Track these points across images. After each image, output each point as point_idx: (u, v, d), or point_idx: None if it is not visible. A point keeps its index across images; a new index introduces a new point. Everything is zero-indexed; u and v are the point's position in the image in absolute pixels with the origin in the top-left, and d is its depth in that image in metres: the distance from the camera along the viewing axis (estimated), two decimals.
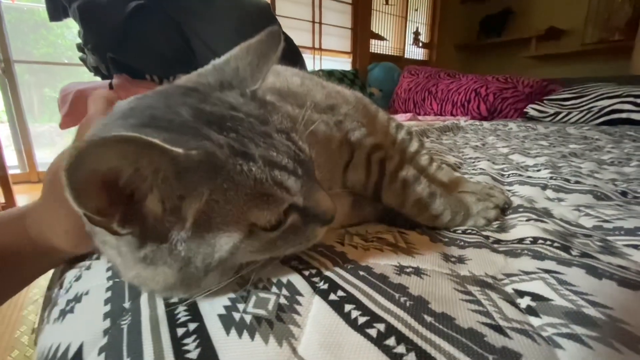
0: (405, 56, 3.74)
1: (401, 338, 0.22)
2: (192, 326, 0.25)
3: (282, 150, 0.26)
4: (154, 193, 0.22)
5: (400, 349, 0.21)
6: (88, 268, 0.38)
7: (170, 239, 0.24)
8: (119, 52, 1.19)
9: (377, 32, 3.43)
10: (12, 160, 2.45)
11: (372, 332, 0.23)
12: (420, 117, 2.27)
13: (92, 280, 0.35)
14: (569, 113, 1.96)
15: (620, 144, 1.18)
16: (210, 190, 0.23)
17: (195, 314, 0.27)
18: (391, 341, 0.22)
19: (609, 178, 0.68)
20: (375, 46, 3.48)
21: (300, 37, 2.91)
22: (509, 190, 0.61)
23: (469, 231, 0.42)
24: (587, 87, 2.03)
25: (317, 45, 3.13)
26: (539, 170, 0.75)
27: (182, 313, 0.27)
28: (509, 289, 0.28)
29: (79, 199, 0.19)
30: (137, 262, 0.25)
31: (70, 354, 0.26)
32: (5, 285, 0.38)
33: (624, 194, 0.57)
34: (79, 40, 1.27)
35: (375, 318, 0.24)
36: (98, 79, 1.43)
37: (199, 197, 0.23)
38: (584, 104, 1.94)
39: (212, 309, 0.27)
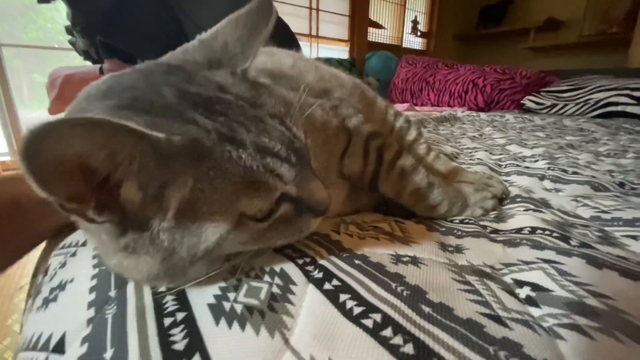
0: (403, 45, 3.69)
1: (398, 329, 0.21)
2: (180, 316, 0.24)
3: (274, 136, 0.24)
4: (130, 180, 0.21)
5: (397, 340, 0.20)
6: (73, 255, 0.36)
7: (151, 227, 0.22)
8: (109, 35, 1.15)
9: (375, 20, 3.37)
10: (1, 147, 2.39)
11: (368, 322, 0.22)
12: (417, 108, 2.26)
13: (76, 268, 0.34)
14: (565, 105, 1.96)
15: (616, 136, 1.18)
16: (195, 178, 0.21)
17: (183, 303, 0.26)
18: (388, 332, 0.21)
19: (606, 169, 0.68)
20: (373, 35, 3.43)
21: (296, 23, 2.85)
22: (506, 181, 0.60)
23: (467, 221, 0.42)
24: (584, 80, 2.02)
25: (314, 33, 3.08)
26: (536, 161, 0.75)
27: (170, 302, 0.26)
28: (507, 278, 0.27)
29: (44, 185, 0.17)
30: (117, 250, 0.23)
31: (52, 343, 0.25)
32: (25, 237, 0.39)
33: (621, 185, 0.57)
34: (68, 23, 1.23)
35: (371, 308, 0.23)
36: (88, 63, 1.39)
37: (182, 186, 0.21)
38: (580, 96, 1.93)
39: (201, 298, 0.26)
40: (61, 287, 0.32)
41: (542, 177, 0.60)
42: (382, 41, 3.52)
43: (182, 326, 0.23)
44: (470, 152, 0.85)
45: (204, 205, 0.22)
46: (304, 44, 2.95)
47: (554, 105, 2.01)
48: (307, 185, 0.26)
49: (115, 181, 0.20)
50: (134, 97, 0.22)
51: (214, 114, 0.23)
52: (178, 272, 0.25)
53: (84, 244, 0.38)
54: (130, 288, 0.28)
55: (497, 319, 0.22)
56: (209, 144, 0.21)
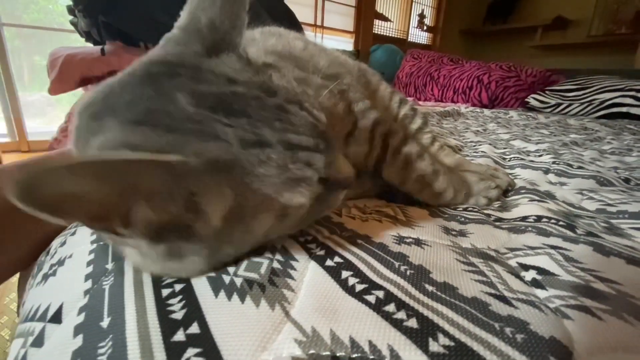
0: (409, 39, 3.65)
1: (401, 305, 0.21)
2: (178, 287, 0.24)
3: (299, 126, 0.23)
4: (142, 206, 0.20)
5: (401, 314, 0.20)
6: (73, 234, 0.36)
7: (195, 231, 0.22)
8: (111, 16, 1.13)
9: (381, 13, 3.33)
10: (1, 128, 2.38)
11: (371, 298, 0.22)
12: (421, 103, 2.24)
13: (75, 245, 0.34)
14: (570, 105, 1.94)
15: (620, 135, 1.17)
16: (231, 187, 0.21)
17: None
18: (391, 307, 0.20)
19: (611, 166, 0.67)
20: (379, 27, 3.39)
21: (301, 13, 2.81)
22: (510, 174, 0.59)
23: (470, 209, 0.41)
24: (589, 79, 2.00)
25: (319, 23, 3.04)
26: (540, 156, 0.74)
27: None
28: (512, 262, 0.27)
29: (54, 216, 0.16)
30: (161, 256, 0.23)
31: (50, 314, 0.25)
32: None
33: (626, 180, 0.56)
34: (70, 2, 1.21)
35: (373, 285, 0.23)
36: (90, 45, 1.37)
37: (221, 196, 0.21)
38: (585, 96, 1.91)
39: None
40: (60, 262, 0.32)
41: (546, 171, 0.59)
42: (387, 34, 3.48)
43: (180, 297, 0.23)
44: (474, 145, 0.84)
45: (249, 207, 0.22)
46: (308, 34, 2.92)
47: (558, 105, 1.99)
48: (334, 163, 0.26)
49: (134, 202, 0.19)
50: (147, 110, 0.21)
51: (233, 116, 0.21)
52: (222, 263, 0.25)
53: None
54: (128, 261, 0.28)
55: (503, 299, 0.21)
56: (233, 156, 0.20)
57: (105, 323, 0.22)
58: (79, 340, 0.21)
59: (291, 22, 1.33)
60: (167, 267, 0.24)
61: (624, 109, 1.72)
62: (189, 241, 0.22)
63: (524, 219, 0.37)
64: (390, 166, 0.42)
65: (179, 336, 0.20)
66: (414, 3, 3.57)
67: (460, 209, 0.42)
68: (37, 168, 0.15)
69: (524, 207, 0.40)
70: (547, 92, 2.10)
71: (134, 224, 0.20)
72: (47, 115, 2.81)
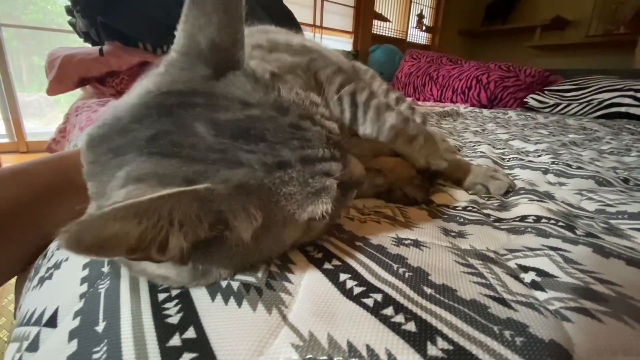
0: (408, 39, 3.65)
1: (399, 308, 0.21)
2: (174, 291, 0.24)
3: (314, 140, 0.24)
4: (182, 231, 0.20)
5: (399, 318, 0.20)
6: None
7: (224, 250, 0.23)
8: (110, 16, 1.13)
9: (380, 13, 3.33)
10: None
11: (369, 301, 0.21)
12: (420, 103, 2.24)
13: None
14: (568, 105, 1.94)
15: (618, 135, 1.17)
16: (260, 208, 0.22)
17: None
18: (389, 311, 0.20)
19: (610, 166, 0.67)
20: (378, 27, 3.39)
21: (300, 13, 2.81)
22: (509, 174, 0.59)
23: (469, 208, 0.41)
24: (588, 79, 2.00)
25: (318, 23, 3.04)
26: (539, 156, 0.74)
27: None
28: (512, 264, 0.27)
29: (99, 256, 0.18)
30: (188, 272, 0.23)
31: (45, 318, 0.25)
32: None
33: (625, 180, 0.56)
34: (69, 3, 1.21)
35: (371, 288, 0.23)
36: (88, 45, 1.37)
37: (251, 217, 0.22)
38: (584, 96, 1.91)
39: None
40: (56, 266, 0.31)
41: (545, 171, 0.59)
42: (386, 34, 3.48)
43: (176, 301, 0.23)
44: (473, 146, 0.84)
45: (277, 223, 0.23)
46: (307, 34, 2.92)
47: (557, 105, 1.99)
48: (348, 166, 0.27)
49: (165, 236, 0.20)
50: (171, 143, 0.21)
51: (253, 142, 0.22)
52: (245, 269, 0.26)
53: None
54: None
55: (502, 301, 0.21)
56: (258, 181, 0.21)
57: (100, 327, 0.21)
58: (73, 345, 0.21)
59: (290, 23, 1.33)
60: (195, 282, 0.24)
61: (623, 109, 1.72)
62: (218, 258, 0.23)
63: (523, 218, 0.37)
64: (364, 122, 0.42)
65: (175, 341, 0.19)
66: (412, 3, 3.57)
67: (460, 207, 0.42)
68: (83, 219, 0.16)
69: (524, 207, 0.40)
70: (545, 92, 2.10)
71: (169, 250, 0.20)
72: (46, 116, 2.80)
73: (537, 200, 0.42)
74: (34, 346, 0.23)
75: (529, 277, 0.24)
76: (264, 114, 0.23)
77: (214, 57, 0.24)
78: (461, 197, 0.45)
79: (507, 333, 0.18)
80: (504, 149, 0.83)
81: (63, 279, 0.29)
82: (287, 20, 1.32)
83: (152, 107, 0.23)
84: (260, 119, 0.23)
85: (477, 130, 1.15)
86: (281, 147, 0.22)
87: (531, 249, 0.28)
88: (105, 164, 0.22)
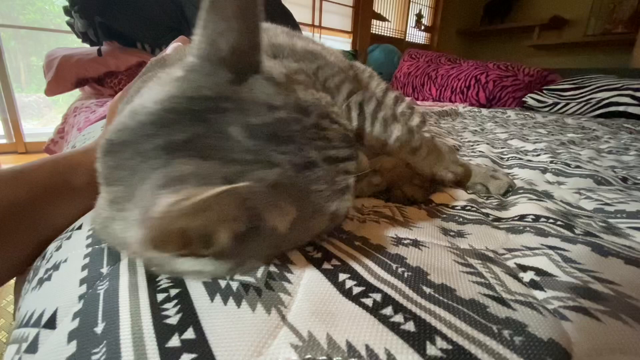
0: (407, 39, 3.65)
1: (399, 308, 0.21)
2: (173, 292, 0.24)
3: (335, 139, 0.26)
4: (225, 226, 0.22)
5: (398, 318, 0.20)
6: (68, 238, 0.36)
7: (260, 242, 0.24)
8: (108, 16, 1.13)
9: (379, 12, 3.33)
10: None
11: (368, 301, 0.21)
12: (419, 102, 2.24)
13: (71, 249, 0.33)
14: (567, 104, 1.95)
15: (617, 134, 1.18)
16: (292, 204, 0.23)
17: (177, 280, 0.25)
18: (388, 310, 0.20)
19: (608, 165, 0.67)
20: (377, 27, 3.39)
21: (299, 13, 2.81)
22: (508, 173, 0.59)
23: (468, 207, 0.41)
24: (586, 79, 2.00)
25: (316, 23, 3.04)
26: (538, 155, 0.74)
27: (163, 279, 0.25)
28: (510, 263, 0.27)
29: (161, 252, 0.20)
30: (228, 266, 0.25)
31: (44, 319, 0.25)
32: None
33: (624, 179, 0.56)
34: (67, 3, 1.21)
35: (371, 288, 0.23)
36: (86, 45, 1.37)
37: (285, 212, 0.23)
38: (582, 95, 1.92)
39: None
40: (55, 267, 0.31)
41: (544, 170, 0.60)
42: (385, 34, 3.48)
43: (175, 301, 0.23)
44: (472, 145, 0.84)
45: (307, 216, 0.25)
46: (306, 34, 2.92)
47: (555, 104, 2.00)
48: (359, 161, 0.29)
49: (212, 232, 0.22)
50: (209, 146, 0.22)
51: (283, 144, 0.23)
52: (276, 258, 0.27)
53: (79, 228, 0.37)
54: (124, 265, 0.28)
55: (501, 300, 0.21)
56: (290, 180, 0.23)
57: (99, 329, 0.21)
58: (72, 347, 0.21)
59: (288, 22, 1.32)
60: (230, 272, 0.25)
61: (621, 108, 1.72)
62: (253, 249, 0.24)
63: (522, 218, 0.37)
64: (370, 133, 0.43)
65: (174, 342, 0.19)
66: (411, 3, 3.57)
67: (459, 207, 0.42)
68: (155, 217, 0.17)
69: (522, 206, 0.40)
70: (544, 91, 2.11)
71: (214, 244, 0.22)
72: (44, 117, 2.80)
73: (536, 200, 0.42)
74: (33, 348, 0.22)
75: (527, 276, 0.25)
76: (289, 116, 0.24)
77: (235, 62, 0.25)
78: (460, 197, 0.45)
79: (506, 332, 0.18)
80: (502, 148, 0.83)
81: (62, 280, 0.29)
82: (286, 20, 1.32)
83: (182, 112, 0.23)
84: (286, 121, 0.24)
85: (476, 130, 1.15)
86: (308, 148, 0.24)
87: (530, 248, 0.28)
88: (135, 167, 0.22)
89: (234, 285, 0.24)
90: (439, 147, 0.48)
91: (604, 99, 1.80)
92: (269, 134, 0.23)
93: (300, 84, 0.28)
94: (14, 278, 0.42)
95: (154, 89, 0.25)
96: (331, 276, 0.24)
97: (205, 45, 0.24)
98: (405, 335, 0.18)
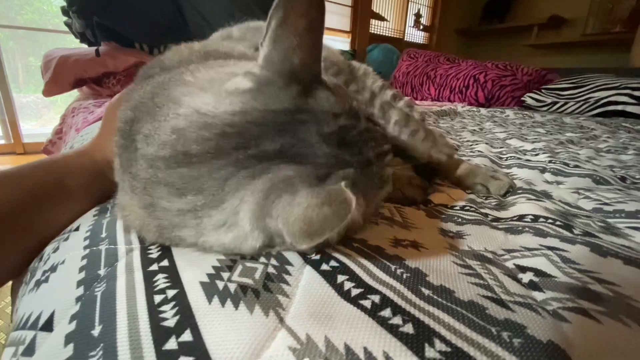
0: (405, 39, 3.65)
1: (397, 310, 0.20)
2: (170, 293, 0.23)
3: (380, 139, 0.30)
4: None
5: (397, 320, 0.19)
6: (66, 239, 0.36)
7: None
8: (106, 17, 1.12)
9: (377, 12, 3.33)
10: None
11: (366, 303, 0.21)
12: (417, 102, 2.24)
13: (68, 250, 0.33)
14: (565, 103, 1.95)
15: (615, 134, 1.18)
16: (363, 195, 0.26)
17: (175, 281, 0.25)
18: (387, 312, 0.20)
19: (607, 164, 0.67)
20: (375, 27, 3.39)
21: None
22: (507, 173, 0.59)
23: (467, 208, 0.41)
24: (585, 78, 2.00)
25: None
26: (537, 155, 0.74)
27: (161, 280, 0.25)
28: (509, 264, 0.27)
29: (315, 240, 0.22)
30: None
31: (41, 322, 0.25)
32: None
33: (623, 179, 0.56)
34: (64, 3, 1.20)
35: (369, 290, 0.23)
36: (85, 46, 1.36)
37: (359, 204, 0.25)
38: (581, 94, 1.92)
39: (194, 276, 0.25)
40: (53, 269, 0.31)
41: (543, 170, 0.60)
42: (384, 34, 3.48)
43: (172, 303, 0.22)
44: (471, 145, 0.84)
45: (373, 201, 0.29)
46: None
47: (554, 103, 2.00)
48: None
49: None
50: (300, 153, 0.25)
51: (350, 147, 0.27)
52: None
53: (77, 229, 0.37)
54: (121, 266, 0.28)
55: (499, 302, 0.21)
56: (360, 177, 0.26)
57: (96, 331, 0.21)
58: (69, 350, 0.20)
59: None
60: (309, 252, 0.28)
61: (620, 107, 1.72)
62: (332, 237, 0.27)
63: (520, 218, 0.37)
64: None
65: (171, 344, 0.19)
66: (410, 2, 3.57)
67: (457, 207, 0.42)
68: (304, 207, 0.21)
69: (521, 206, 0.40)
70: (543, 90, 2.11)
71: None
72: (42, 117, 2.79)
73: (535, 199, 0.42)
74: (29, 351, 0.22)
75: (526, 277, 0.24)
76: (349, 122, 0.27)
77: (304, 75, 0.26)
78: (459, 197, 0.45)
79: (505, 334, 0.18)
80: (501, 147, 0.83)
81: (59, 282, 0.29)
82: None
83: (267, 125, 0.25)
84: (348, 127, 0.27)
85: (474, 129, 1.15)
86: (366, 149, 0.28)
87: (529, 249, 0.28)
88: (229, 176, 0.24)
89: (232, 287, 0.23)
90: (432, 131, 0.52)
91: (602, 98, 1.81)
92: (339, 140, 0.26)
93: (342, 88, 0.31)
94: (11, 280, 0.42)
95: (205, 98, 0.27)
96: (330, 278, 0.24)
97: (278, 59, 0.26)
98: (403, 338, 0.18)
